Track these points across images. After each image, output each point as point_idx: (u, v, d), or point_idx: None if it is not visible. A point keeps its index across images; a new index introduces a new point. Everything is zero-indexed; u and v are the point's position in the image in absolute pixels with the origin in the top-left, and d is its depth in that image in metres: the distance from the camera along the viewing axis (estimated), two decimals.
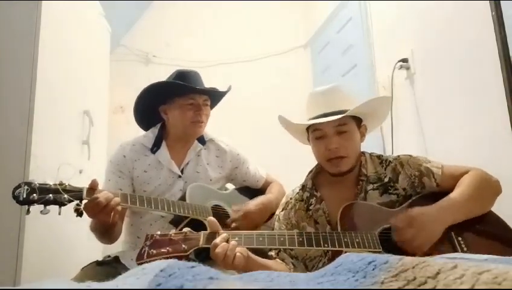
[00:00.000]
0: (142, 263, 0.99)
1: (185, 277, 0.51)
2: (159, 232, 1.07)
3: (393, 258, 0.54)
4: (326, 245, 1.08)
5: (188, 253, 1.02)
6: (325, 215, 1.28)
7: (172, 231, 1.07)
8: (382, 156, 1.35)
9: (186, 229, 1.07)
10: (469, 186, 1.19)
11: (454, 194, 1.18)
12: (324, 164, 1.29)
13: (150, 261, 0.98)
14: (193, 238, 1.05)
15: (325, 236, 1.10)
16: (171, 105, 1.53)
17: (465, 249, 1.12)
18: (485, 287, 0.43)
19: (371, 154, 1.36)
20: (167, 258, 1.00)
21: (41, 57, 1.70)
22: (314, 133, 1.27)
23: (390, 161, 1.32)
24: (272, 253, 1.28)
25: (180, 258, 1.02)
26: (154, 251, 1.01)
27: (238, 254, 1.02)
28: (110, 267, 1.36)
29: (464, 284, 0.44)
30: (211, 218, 1.10)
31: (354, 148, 1.26)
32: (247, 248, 1.08)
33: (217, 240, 1.03)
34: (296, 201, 1.35)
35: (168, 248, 1.02)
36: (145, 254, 1.01)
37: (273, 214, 1.53)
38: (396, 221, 1.10)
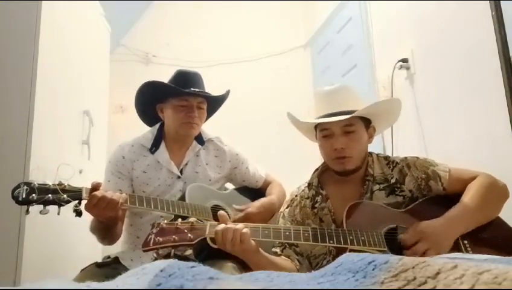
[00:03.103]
0: (147, 250, 1.00)
1: (185, 277, 0.51)
2: (165, 221, 1.06)
3: (393, 258, 0.54)
4: (331, 241, 1.08)
5: (194, 242, 1.03)
6: (330, 214, 1.28)
7: (179, 220, 1.07)
8: (389, 157, 1.35)
9: (192, 219, 1.08)
10: (477, 194, 1.18)
11: (462, 204, 1.17)
12: (330, 162, 1.29)
13: (155, 249, 0.99)
14: (199, 228, 1.06)
15: (330, 232, 1.10)
16: (166, 104, 1.54)
17: (470, 251, 1.12)
18: (485, 287, 0.43)
19: (378, 155, 1.36)
20: (173, 246, 1.00)
21: (41, 57, 1.70)
22: (322, 132, 1.28)
23: (397, 162, 1.31)
24: (277, 250, 1.28)
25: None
26: (161, 239, 1.01)
27: (245, 230, 1.05)
28: (109, 268, 1.36)
29: (464, 284, 0.44)
30: (222, 211, 1.13)
31: (360, 148, 1.26)
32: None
33: (222, 224, 1.07)
34: (302, 198, 1.35)
35: (174, 237, 1.02)
36: (151, 242, 1.01)
37: (274, 215, 1.53)
38: (405, 238, 1.09)
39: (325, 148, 1.28)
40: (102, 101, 2.69)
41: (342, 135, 1.24)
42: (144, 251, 1.01)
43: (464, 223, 1.13)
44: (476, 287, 0.43)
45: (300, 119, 1.31)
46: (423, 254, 1.05)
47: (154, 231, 1.03)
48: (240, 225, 1.07)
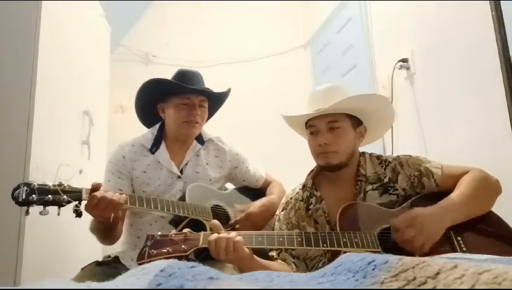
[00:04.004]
0: (142, 263, 1.00)
1: (185, 277, 0.51)
2: (159, 233, 1.08)
3: (393, 258, 0.54)
4: (325, 245, 1.09)
5: (188, 253, 1.04)
6: (325, 215, 1.28)
7: (173, 232, 1.09)
8: (382, 156, 1.35)
9: (186, 230, 1.09)
10: (469, 187, 1.19)
11: (454, 195, 1.18)
12: (315, 158, 1.31)
13: (150, 262, 1.00)
14: (193, 238, 1.07)
15: (323, 236, 1.10)
16: (168, 103, 1.54)
17: (464, 249, 1.11)
18: (485, 287, 0.43)
19: (370, 155, 1.36)
20: (167, 258, 1.01)
21: (41, 57, 1.70)
22: (309, 128, 1.31)
23: (389, 161, 1.32)
24: (273, 253, 1.28)
25: (180, 258, 1.02)
26: (155, 251, 1.02)
27: (238, 238, 1.05)
28: (110, 267, 1.36)
29: (464, 284, 0.44)
30: (214, 221, 1.13)
31: (345, 145, 1.26)
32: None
33: (215, 234, 1.07)
34: (296, 201, 1.36)
35: (168, 248, 1.03)
36: (146, 254, 1.02)
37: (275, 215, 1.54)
38: (396, 222, 1.10)
39: (311, 144, 1.31)
40: (102, 101, 2.68)
41: (327, 132, 1.26)
42: (139, 264, 1.01)
43: (454, 214, 1.14)
44: (476, 287, 0.43)
45: (286, 115, 1.34)
46: (413, 239, 1.05)
47: (148, 243, 1.05)
48: (232, 234, 1.07)
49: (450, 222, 1.13)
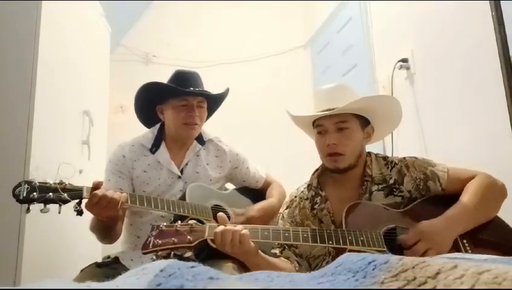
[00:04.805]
0: (147, 253, 1.00)
1: (185, 277, 0.51)
2: (165, 223, 1.07)
3: (393, 258, 0.54)
4: (330, 242, 1.09)
5: (193, 244, 1.03)
6: (330, 215, 1.28)
7: (178, 222, 1.07)
8: (388, 157, 1.35)
9: (191, 221, 1.08)
10: (476, 194, 1.18)
11: (461, 203, 1.17)
12: (323, 159, 1.30)
13: (155, 251, 0.99)
14: (199, 230, 1.06)
15: (329, 233, 1.10)
16: (166, 105, 1.54)
17: (469, 251, 1.12)
18: (485, 287, 0.43)
19: (376, 155, 1.36)
20: (172, 248, 1.00)
21: (41, 57, 1.70)
22: (317, 128, 1.30)
23: (395, 163, 1.31)
24: (276, 251, 1.28)
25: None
26: (160, 241, 1.01)
27: (244, 231, 1.05)
28: (109, 268, 1.36)
29: (464, 284, 0.44)
30: (221, 213, 1.13)
31: (353, 145, 1.26)
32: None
33: (221, 226, 1.07)
34: (301, 200, 1.35)
35: (173, 239, 1.02)
36: (151, 244, 1.01)
37: (274, 219, 1.53)
38: (406, 238, 1.09)
39: (319, 144, 1.30)
40: (102, 101, 2.69)
41: (335, 132, 1.25)
42: (144, 253, 1.01)
43: (463, 223, 1.14)
44: (476, 287, 0.43)
45: (294, 114, 1.33)
46: (424, 254, 1.05)
47: (154, 233, 1.04)
48: (239, 227, 1.07)
49: (459, 231, 1.13)
